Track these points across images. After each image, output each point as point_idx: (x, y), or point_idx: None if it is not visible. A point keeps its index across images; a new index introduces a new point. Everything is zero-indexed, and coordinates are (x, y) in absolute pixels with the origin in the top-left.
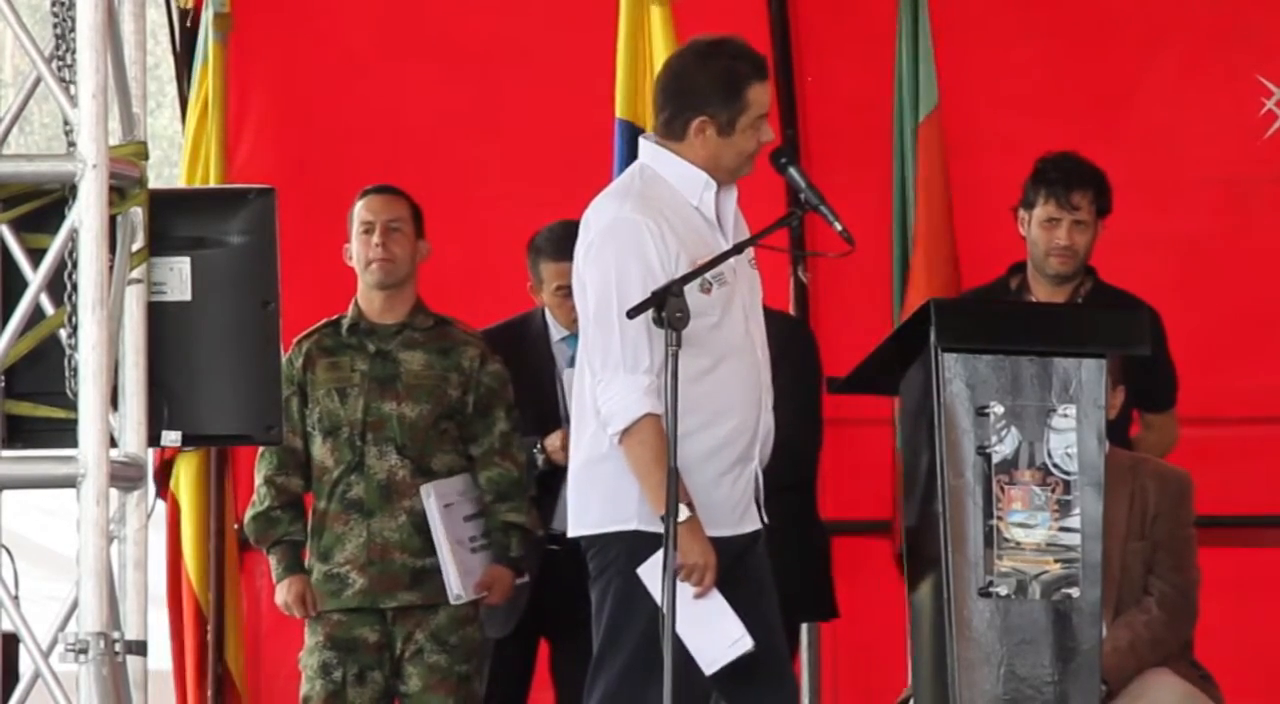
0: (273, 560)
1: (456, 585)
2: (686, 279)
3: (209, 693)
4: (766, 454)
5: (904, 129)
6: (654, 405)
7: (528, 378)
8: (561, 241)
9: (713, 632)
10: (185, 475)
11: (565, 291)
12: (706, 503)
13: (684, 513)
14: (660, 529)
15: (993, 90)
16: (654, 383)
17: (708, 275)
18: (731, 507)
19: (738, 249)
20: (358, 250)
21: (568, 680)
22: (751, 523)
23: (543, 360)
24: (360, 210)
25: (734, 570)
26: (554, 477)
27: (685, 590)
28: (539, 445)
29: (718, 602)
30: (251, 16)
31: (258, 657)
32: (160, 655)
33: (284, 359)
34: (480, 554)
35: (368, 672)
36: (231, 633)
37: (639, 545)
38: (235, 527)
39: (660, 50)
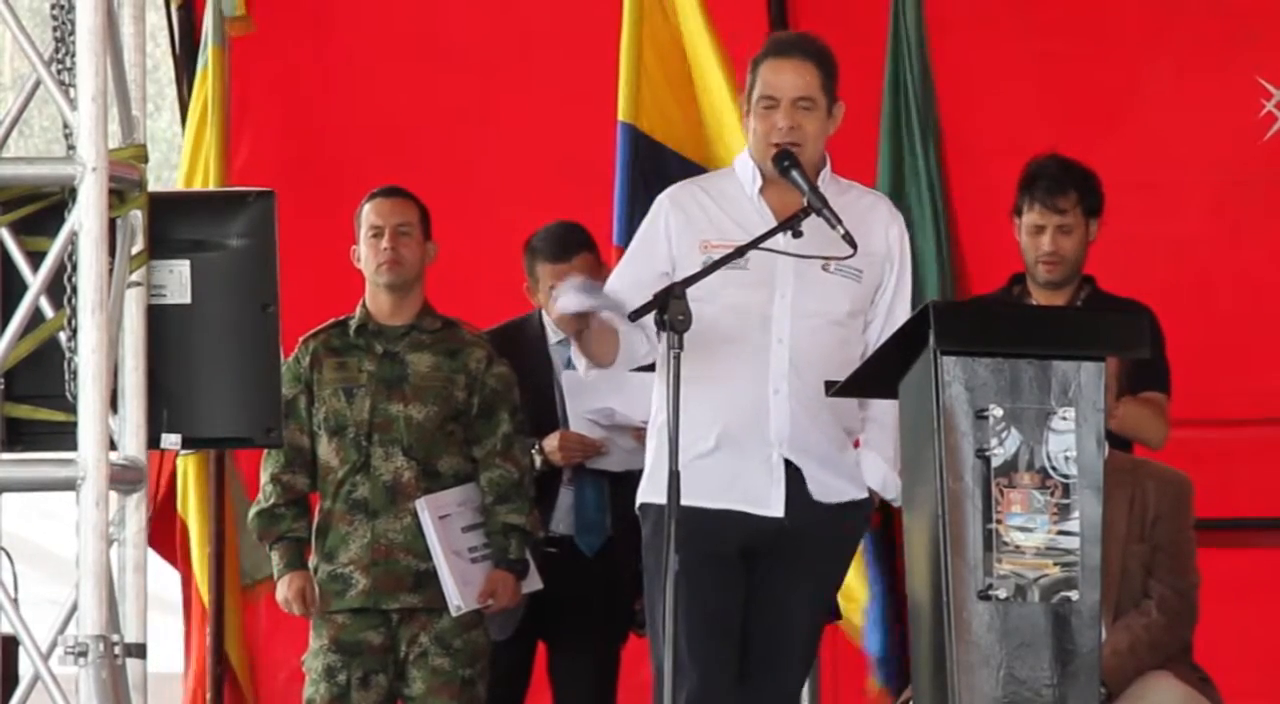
0: (275, 557)
1: (456, 596)
2: (688, 282)
3: (209, 694)
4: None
5: (899, 134)
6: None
7: (525, 381)
8: (558, 243)
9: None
10: (188, 478)
11: None
12: (698, 475)
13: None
14: (650, 499)
15: (991, 91)
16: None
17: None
18: (732, 482)
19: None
20: (366, 253)
21: (565, 683)
22: (765, 507)
23: (540, 363)
24: (369, 214)
25: (755, 550)
26: (552, 479)
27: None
28: (537, 447)
29: None
30: (252, 18)
31: (257, 657)
32: (159, 659)
33: (290, 357)
34: (481, 564)
35: (372, 675)
36: (232, 633)
37: (645, 516)
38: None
39: (664, 51)
